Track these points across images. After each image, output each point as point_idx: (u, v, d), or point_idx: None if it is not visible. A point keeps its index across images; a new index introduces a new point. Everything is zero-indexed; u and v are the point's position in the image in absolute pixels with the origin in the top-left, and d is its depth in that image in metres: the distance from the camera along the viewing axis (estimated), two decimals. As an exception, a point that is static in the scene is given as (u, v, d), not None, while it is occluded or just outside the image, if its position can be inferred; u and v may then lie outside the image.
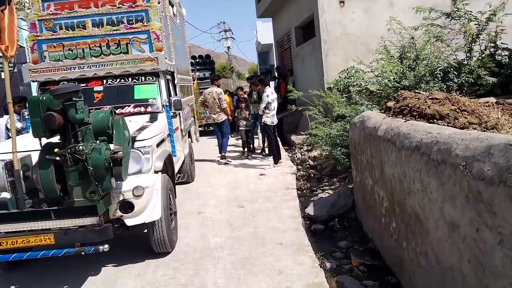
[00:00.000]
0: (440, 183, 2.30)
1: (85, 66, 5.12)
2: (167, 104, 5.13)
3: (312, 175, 7.30)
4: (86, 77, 5.13)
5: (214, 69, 16.87)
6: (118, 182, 3.48)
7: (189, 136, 7.31)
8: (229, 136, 9.00)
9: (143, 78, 5.22)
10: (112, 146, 3.32)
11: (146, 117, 4.88)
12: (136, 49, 5.23)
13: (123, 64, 5.09)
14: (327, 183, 6.46)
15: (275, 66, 17.01)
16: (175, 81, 6.06)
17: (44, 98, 3.14)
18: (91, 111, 3.49)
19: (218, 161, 8.64)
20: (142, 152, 3.83)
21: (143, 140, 3.92)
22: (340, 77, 8.15)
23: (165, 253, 4.11)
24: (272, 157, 8.03)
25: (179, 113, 5.90)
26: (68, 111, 3.10)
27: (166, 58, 5.28)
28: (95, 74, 5.14)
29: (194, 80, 11.69)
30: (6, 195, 3.41)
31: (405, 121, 3.21)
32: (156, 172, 3.97)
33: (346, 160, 5.83)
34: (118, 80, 5.21)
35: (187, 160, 6.71)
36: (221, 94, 8.45)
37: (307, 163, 8.29)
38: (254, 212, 5.30)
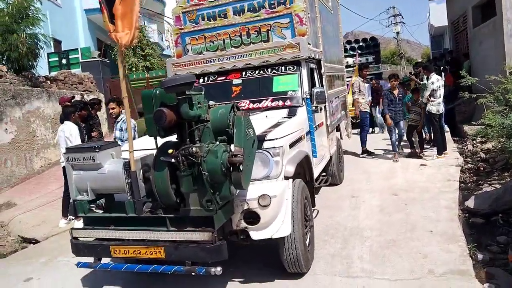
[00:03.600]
0: None
1: (224, 58, 4.78)
2: (308, 96, 4.51)
3: (482, 168, 6.75)
4: (225, 70, 4.82)
5: (379, 53, 15.36)
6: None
7: (338, 130, 6.61)
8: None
9: (283, 68, 4.67)
10: (232, 148, 2.85)
11: (284, 112, 4.37)
12: (277, 36, 4.78)
13: (262, 54, 4.62)
14: (496, 178, 5.94)
15: (448, 50, 15.58)
16: (322, 70, 5.33)
17: (158, 92, 2.80)
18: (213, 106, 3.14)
19: (360, 155, 8.25)
20: (271, 154, 3.29)
21: (273, 139, 3.37)
22: (527, 60, 7.20)
23: (299, 273, 3.50)
24: (436, 147, 7.68)
25: (325, 107, 5.25)
26: (180, 106, 2.71)
27: (309, 44, 4.66)
28: (234, 66, 4.76)
29: (355, 65, 11.34)
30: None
31: None
32: (286, 178, 3.37)
33: (521, 153, 5.27)
34: (257, 71, 4.72)
35: (334, 160, 5.95)
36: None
37: (478, 155, 7.62)
38: (408, 200, 5.25)
